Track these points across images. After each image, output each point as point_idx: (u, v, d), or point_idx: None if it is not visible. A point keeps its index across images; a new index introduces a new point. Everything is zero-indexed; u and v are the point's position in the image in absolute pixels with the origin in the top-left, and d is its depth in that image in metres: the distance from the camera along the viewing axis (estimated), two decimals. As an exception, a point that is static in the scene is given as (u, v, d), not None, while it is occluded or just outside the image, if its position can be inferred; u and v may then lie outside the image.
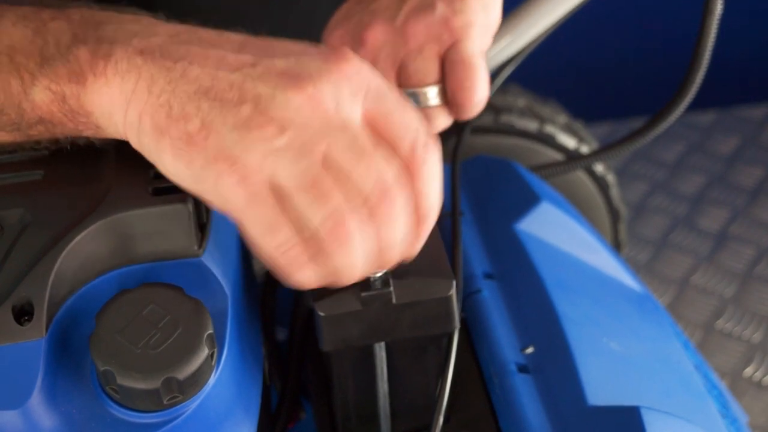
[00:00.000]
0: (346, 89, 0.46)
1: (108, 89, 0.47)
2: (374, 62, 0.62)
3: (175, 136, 0.46)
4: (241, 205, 0.46)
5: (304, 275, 0.48)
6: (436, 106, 0.62)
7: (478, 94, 0.61)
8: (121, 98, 0.47)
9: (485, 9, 0.63)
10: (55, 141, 0.52)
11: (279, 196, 0.46)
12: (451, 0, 0.62)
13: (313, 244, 0.46)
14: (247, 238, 0.47)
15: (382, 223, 0.47)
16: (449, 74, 0.62)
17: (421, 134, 0.48)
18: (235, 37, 0.49)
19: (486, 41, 0.64)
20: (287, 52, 0.47)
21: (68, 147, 0.52)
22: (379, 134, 0.47)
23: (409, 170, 0.48)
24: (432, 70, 0.62)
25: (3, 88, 0.49)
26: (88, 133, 0.50)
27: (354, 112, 0.47)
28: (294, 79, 0.46)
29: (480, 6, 0.63)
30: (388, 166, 0.47)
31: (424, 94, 0.62)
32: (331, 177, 0.46)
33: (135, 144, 0.48)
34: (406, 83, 0.62)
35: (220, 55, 0.47)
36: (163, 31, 0.49)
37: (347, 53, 0.48)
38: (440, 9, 0.62)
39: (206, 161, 0.45)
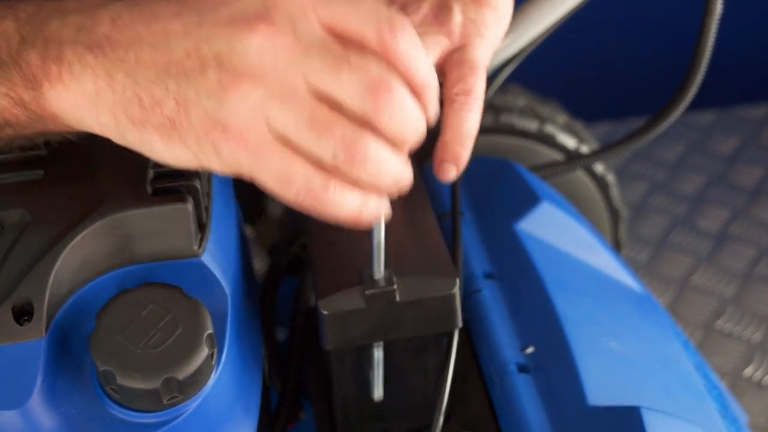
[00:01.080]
0: (296, 10, 0.45)
1: (67, 94, 0.46)
2: None
3: (156, 123, 0.45)
4: (251, 164, 0.45)
5: (340, 206, 0.46)
6: None
7: (476, 91, 0.61)
8: (86, 101, 0.46)
9: (498, 22, 0.64)
10: (29, 139, 0.51)
11: (283, 141, 0.45)
12: (467, 9, 0.62)
13: (336, 173, 0.45)
14: (267, 190, 0.46)
15: (392, 117, 0.46)
16: (452, 70, 0.62)
17: (383, 16, 0.46)
18: None
19: (490, 56, 0.64)
20: None
21: (42, 146, 0.52)
22: (344, 36, 0.46)
23: (387, 56, 0.46)
24: (433, 51, 0.61)
25: None
26: (59, 130, 0.50)
27: (312, 28, 0.45)
28: (243, 23, 0.44)
29: (494, 19, 0.63)
30: (368, 63, 0.45)
31: None
32: (324, 104, 0.45)
33: (118, 141, 0.47)
34: None
35: (164, 27, 0.46)
36: (105, 17, 0.47)
37: None
38: (457, 16, 0.62)
39: (197, 136, 0.45)
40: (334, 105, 0.45)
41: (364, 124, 0.46)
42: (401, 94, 0.46)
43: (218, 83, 0.44)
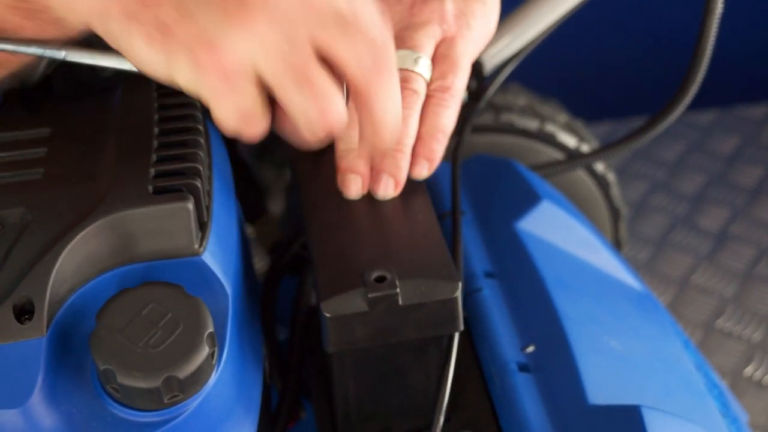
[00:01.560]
0: None
1: None
2: None
3: (146, 21, 0.46)
4: (218, 93, 0.46)
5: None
6: (421, 79, 0.62)
7: (455, 89, 0.61)
8: None
9: (486, 17, 0.64)
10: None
11: (262, 85, 0.47)
12: (457, 0, 0.63)
13: (299, 119, 0.48)
14: (214, 118, 0.48)
15: (379, 92, 0.49)
16: (435, 64, 0.62)
17: (382, 42, 0.49)
18: None
19: (477, 51, 0.64)
20: None
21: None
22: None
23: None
24: (429, 46, 0.61)
25: None
26: (48, 32, 0.50)
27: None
28: None
29: (482, 13, 0.63)
30: (374, 38, 0.48)
31: (418, 58, 0.61)
32: (317, 64, 0.46)
33: (101, 31, 0.48)
34: (399, 46, 0.61)
35: None
36: None
37: None
38: (449, 4, 0.62)
39: (180, 48, 0.45)
40: (330, 67, 0.47)
41: (357, 92, 0.48)
42: (395, 81, 0.49)
43: (226, 7, 0.45)
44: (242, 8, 0.45)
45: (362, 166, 0.60)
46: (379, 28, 0.48)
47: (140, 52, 0.47)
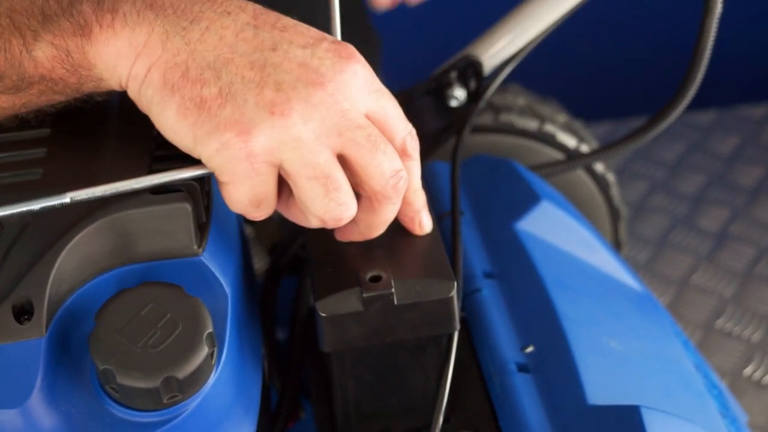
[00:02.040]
0: (355, 87, 0.49)
1: (115, 41, 0.48)
2: None
3: (187, 96, 0.47)
4: (238, 177, 0.48)
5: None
6: None
7: None
8: (129, 50, 0.48)
9: None
10: (52, 105, 0.52)
11: (283, 177, 0.49)
12: None
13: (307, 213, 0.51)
14: (225, 196, 0.49)
15: (394, 206, 0.52)
16: None
17: (409, 130, 0.52)
18: (245, 5, 0.50)
19: None
20: (302, 40, 0.49)
21: (72, 105, 0.53)
22: (379, 127, 0.50)
23: (402, 159, 0.52)
24: None
25: (4, 50, 0.49)
26: (89, 87, 0.51)
27: (363, 108, 0.49)
28: (314, 74, 0.48)
29: None
30: (395, 156, 0.50)
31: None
32: (342, 171, 0.49)
33: (134, 94, 0.49)
34: None
35: (237, 29, 0.48)
36: None
37: (354, 51, 0.50)
38: None
39: (215, 127, 0.47)
40: (353, 173, 0.50)
41: (370, 198, 0.51)
42: (402, 196, 0.52)
43: (271, 102, 0.47)
44: (285, 101, 0.47)
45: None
46: (409, 147, 0.52)
47: (170, 121, 0.48)
